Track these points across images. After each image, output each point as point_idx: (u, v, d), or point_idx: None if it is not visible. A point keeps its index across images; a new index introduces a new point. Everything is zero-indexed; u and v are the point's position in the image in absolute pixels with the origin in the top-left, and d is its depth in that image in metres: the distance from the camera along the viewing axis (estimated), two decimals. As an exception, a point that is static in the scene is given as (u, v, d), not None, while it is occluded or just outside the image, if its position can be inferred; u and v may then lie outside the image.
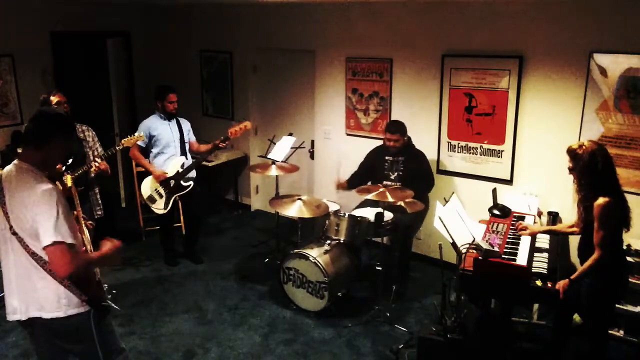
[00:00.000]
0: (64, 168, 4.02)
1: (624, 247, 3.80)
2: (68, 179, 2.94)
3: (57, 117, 2.46)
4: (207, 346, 3.94)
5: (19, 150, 2.47)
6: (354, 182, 4.90)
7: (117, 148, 4.29)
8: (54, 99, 4.23)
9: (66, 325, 2.43)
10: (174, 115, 4.98)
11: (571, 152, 3.17)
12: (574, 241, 3.50)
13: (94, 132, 4.42)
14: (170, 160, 4.94)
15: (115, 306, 2.66)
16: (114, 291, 2.74)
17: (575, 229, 3.38)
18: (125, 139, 4.34)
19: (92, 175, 4.28)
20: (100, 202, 4.47)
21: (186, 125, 5.12)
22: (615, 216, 3.03)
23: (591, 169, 3.06)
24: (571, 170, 3.19)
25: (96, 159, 4.12)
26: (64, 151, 2.49)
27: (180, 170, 4.93)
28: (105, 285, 2.65)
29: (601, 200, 3.00)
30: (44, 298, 2.38)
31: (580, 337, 3.47)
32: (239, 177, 6.81)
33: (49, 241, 2.22)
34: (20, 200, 2.29)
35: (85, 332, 2.46)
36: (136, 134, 4.46)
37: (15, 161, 2.39)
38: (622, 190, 3.13)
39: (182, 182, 4.94)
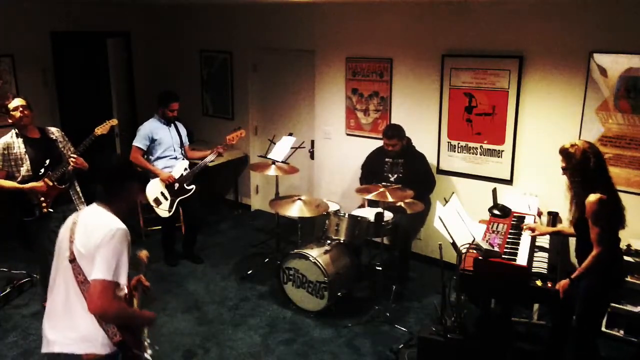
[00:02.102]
0: (42, 170, 4.01)
1: (625, 247, 3.81)
2: None
3: (120, 172, 2.60)
4: (207, 346, 3.94)
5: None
6: (368, 179, 4.94)
7: (92, 138, 4.18)
8: (11, 105, 4.03)
9: None
10: (172, 120, 5.02)
11: (563, 151, 3.18)
12: (573, 240, 3.50)
13: (62, 132, 4.31)
14: (175, 163, 4.98)
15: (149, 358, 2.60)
16: (157, 347, 2.67)
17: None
18: (99, 127, 4.23)
19: (70, 171, 4.21)
20: (82, 198, 4.37)
21: (183, 129, 5.18)
22: (608, 212, 3.02)
23: (584, 167, 3.07)
24: (564, 169, 3.21)
25: (72, 155, 4.08)
26: (137, 193, 2.61)
27: (184, 173, 4.95)
28: (148, 340, 2.62)
29: (592, 197, 3.00)
30: (79, 335, 2.35)
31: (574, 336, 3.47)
32: (239, 177, 6.81)
33: (98, 276, 2.26)
34: (92, 230, 2.35)
35: None
36: (109, 121, 4.30)
37: (95, 204, 2.49)
38: (615, 188, 3.13)
39: (185, 185, 4.96)
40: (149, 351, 2.58)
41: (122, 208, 2.52)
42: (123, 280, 2.35)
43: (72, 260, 2.36)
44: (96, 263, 2.28)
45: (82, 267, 2.34)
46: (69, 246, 2.39)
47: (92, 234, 2.34)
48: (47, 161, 4.04)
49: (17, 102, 4.05)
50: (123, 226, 2.39)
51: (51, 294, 2.47)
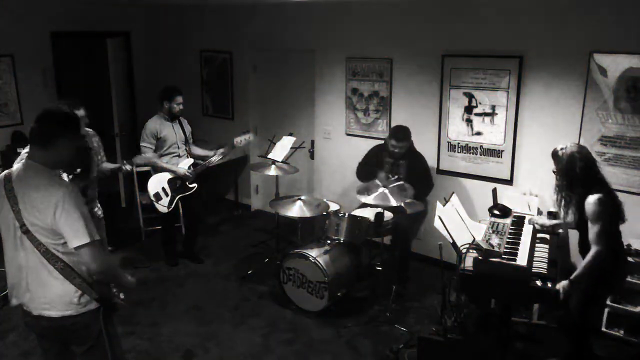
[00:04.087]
0: (70, 177, 3.91)
1: (625, 247, 3.79)
2: None
3: (62, 117, 2.39)
4: (207, 346, 3.94)
5: (21, 150, 2.44)
6: (365, 172, 4.85)
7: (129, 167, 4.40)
8: (80, 113, 3.94)
9: (76, 323, 2.41)
10: (176, 116, 4.99)
11: (554, 154, 3.28)
12: (573, 239, 3.50)
13: (98, 137, 4.29)
14: (178, 161, 4.97)
15: (123, 302, 2.65)
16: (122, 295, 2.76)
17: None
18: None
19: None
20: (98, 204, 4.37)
21: (187, 126, 5.14)
22: (607, 211, 3.06)
23: (569, 172, 3.15)
24: (554, 172, 3.31)
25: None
26: (71, 151, 2.43)
27: (188, 172, 4.95)
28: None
29: (590, 198, 3.06)
30: (55, 296, 2.36)
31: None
32: (239, 177, 6.81)
33: (82, 242, 2.24)
34: (38, 200, 2.26)
35: (94, 330, 2.45)
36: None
37: (25, 160, 2.36)
38: (610, 187, 3.19)
39: (187, 183, 4.96)
40: (121, 295, 2.64)
41: (55, 163, 2.37)
42: (97, 234, 2.33)
43: (26, 231, 2.30)
44: (67, 234, 2.24)
45: (41, 239, 2.30)
46: (14, 215, 2.31)
47: (42, 211, 2.25)
48: (78, 170, 3.95)
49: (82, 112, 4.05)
50: (62, 185, 2.28)
51: (13, 263, 2.42)
